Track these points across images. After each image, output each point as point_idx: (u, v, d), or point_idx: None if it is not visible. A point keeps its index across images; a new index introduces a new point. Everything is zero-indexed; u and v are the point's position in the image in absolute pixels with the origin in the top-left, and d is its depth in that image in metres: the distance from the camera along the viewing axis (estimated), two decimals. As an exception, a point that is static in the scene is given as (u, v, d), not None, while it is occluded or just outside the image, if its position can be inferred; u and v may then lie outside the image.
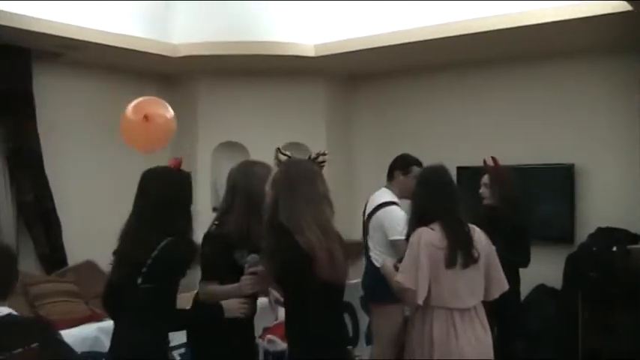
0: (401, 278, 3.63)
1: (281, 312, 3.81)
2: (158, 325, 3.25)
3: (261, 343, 5.12)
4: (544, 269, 6.63)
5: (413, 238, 3.67)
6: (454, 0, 6.28)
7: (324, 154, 3.31)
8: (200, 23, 7.20)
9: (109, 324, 3.71)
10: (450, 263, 3.58)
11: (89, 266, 6.61)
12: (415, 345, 3.70)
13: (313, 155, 3.35)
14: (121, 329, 3.33)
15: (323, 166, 3.31)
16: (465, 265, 3.61)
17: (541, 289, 6.68)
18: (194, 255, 3.34)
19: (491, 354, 3.72)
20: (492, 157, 3.84)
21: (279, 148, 3.32)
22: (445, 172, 3.85)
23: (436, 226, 3.67)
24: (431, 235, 3.64)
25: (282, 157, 3.28)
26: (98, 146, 7.29)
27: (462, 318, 3.62)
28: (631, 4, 5.09)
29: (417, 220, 3.75)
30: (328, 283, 3.08)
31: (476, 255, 3.65)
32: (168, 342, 3.40)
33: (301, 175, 3.18)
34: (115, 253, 3.34)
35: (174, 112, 7.99)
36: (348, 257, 3.23)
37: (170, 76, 7.99)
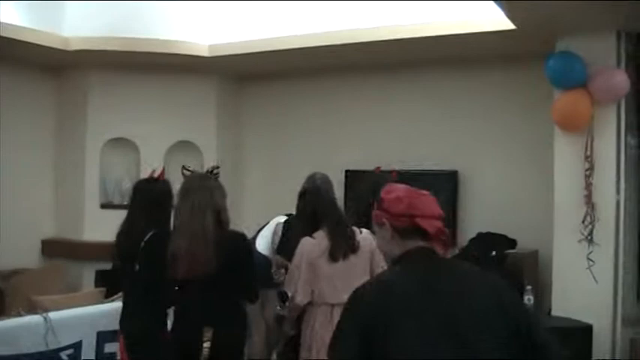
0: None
1: None
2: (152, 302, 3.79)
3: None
4: (427, 271, 6.83)
5: (297, 249, 4.02)
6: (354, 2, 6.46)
7: (217, 167, 3.85)
8: (94, 17, 7.05)
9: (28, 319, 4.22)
10: (332, 258, 3.90)
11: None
12: (304, 342, 3.88)
13: (209, 168, 3.86)
14: (128, 307, 4.00)
15: (217, 177, 3.82)
16: (345, 257, 3.91)
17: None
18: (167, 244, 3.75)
19: None
20: (377, 167, 4.21)
21: (183, 166, 3.89)
22: (321, 179, 4.28)
23: (319, 233, 4.00)
24: (309, 242, 3.97)
25: (187, 172, 3.85)
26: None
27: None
28: (514, 24, 5.43)
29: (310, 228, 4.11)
30: None
31: (355, 245, 3.95)
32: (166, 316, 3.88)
33: None
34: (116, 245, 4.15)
35: (63, 106, 7.86)
36: None
37: (60, 69, 7.78)
